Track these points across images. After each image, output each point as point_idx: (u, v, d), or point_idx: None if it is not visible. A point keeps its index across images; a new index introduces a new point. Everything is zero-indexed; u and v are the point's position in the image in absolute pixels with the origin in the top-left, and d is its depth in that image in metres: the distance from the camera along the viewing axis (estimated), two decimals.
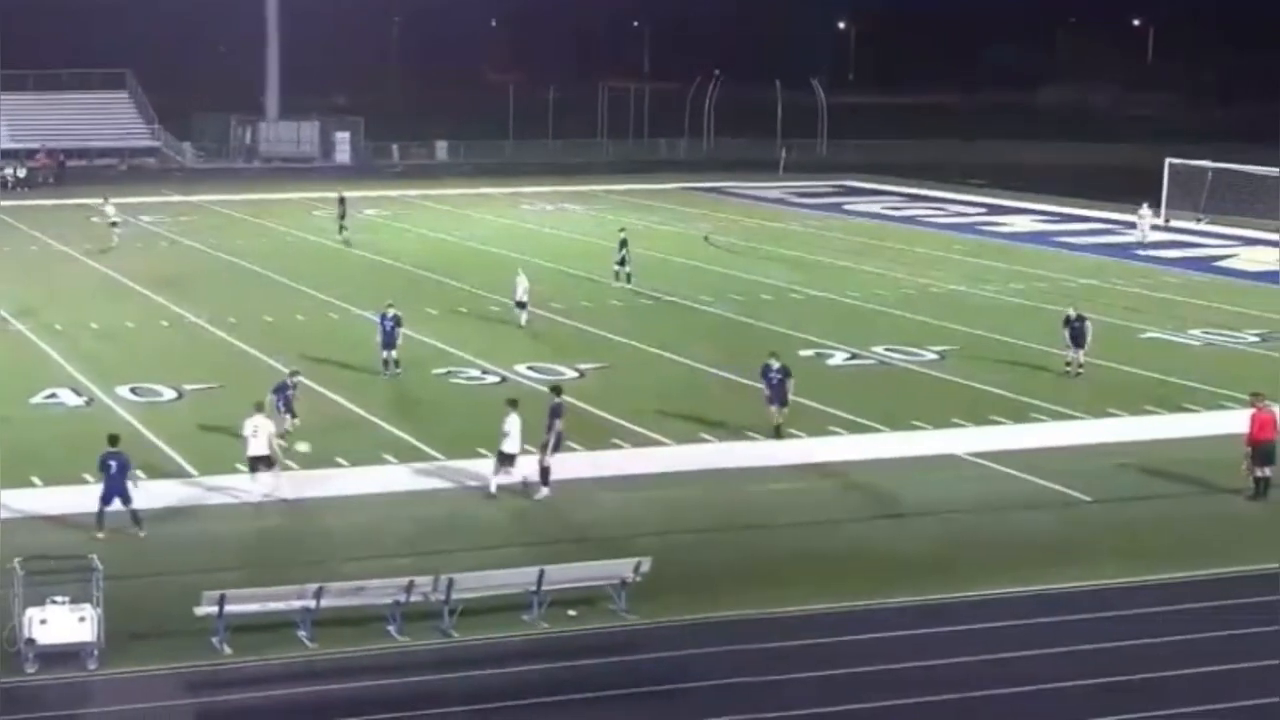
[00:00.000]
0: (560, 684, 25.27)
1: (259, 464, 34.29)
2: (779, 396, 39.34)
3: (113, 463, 31.97)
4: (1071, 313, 47.05)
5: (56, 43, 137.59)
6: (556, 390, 36.12)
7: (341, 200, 76.15)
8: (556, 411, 35.10)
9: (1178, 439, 39.75)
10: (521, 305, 52.95)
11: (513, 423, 34.43)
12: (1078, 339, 46.28)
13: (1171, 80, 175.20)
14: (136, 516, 31.83)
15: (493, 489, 34.47)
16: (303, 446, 35.59)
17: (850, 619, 27.88)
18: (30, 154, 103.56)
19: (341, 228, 74.82)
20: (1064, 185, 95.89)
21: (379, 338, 46.16)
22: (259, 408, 35.06)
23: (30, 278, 62.02)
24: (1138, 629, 27.42)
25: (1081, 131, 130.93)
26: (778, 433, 39.16)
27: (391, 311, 46.03)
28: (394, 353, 45.77)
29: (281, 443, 35.27)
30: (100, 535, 31.14)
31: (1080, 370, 46.18)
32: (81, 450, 36.58)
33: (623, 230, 62.97)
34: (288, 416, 37.71)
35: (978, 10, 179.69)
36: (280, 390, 38.10)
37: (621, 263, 60.90)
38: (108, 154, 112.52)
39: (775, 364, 39.44)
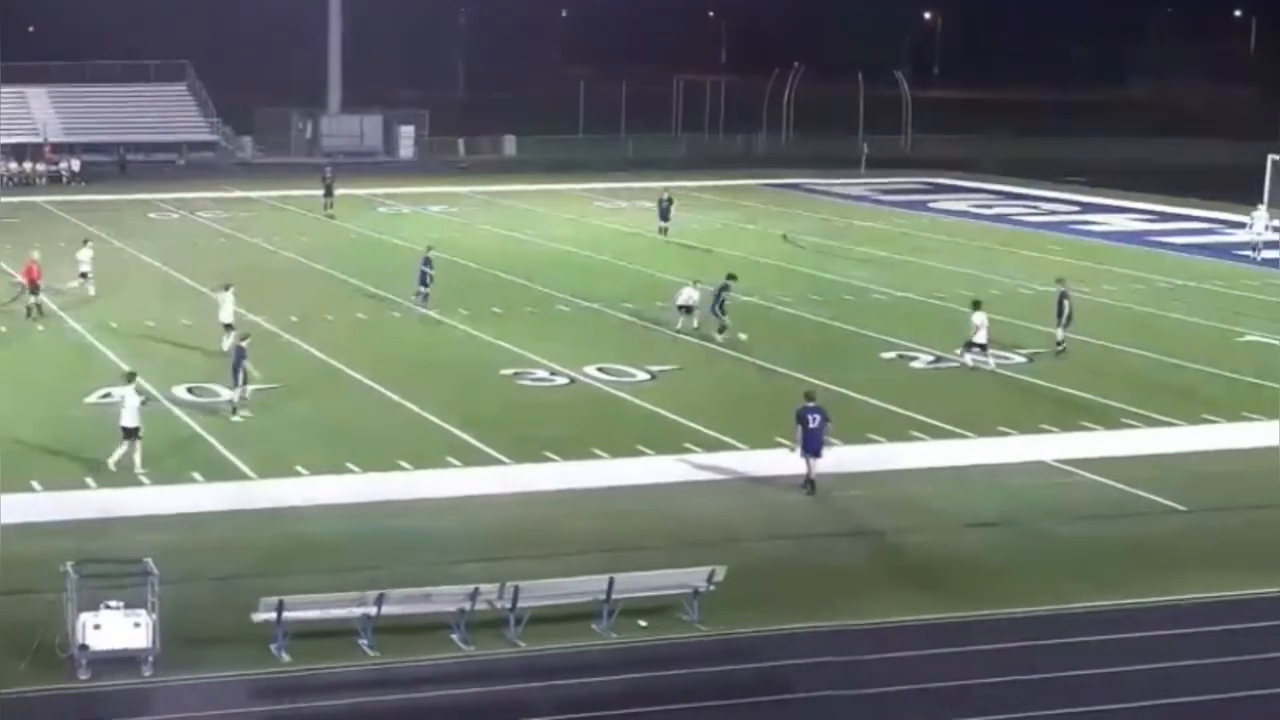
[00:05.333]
0: (628, 696, 25.30)
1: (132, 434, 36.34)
2: (814, 445, 35.46)
3: None
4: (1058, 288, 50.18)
5: (113, 32, 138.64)
6: None
7: (325, 176, 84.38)
8: None
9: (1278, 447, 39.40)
10: (687, 310, 52.44)
11: None
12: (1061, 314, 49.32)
13: (1266, 74, 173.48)
14: None
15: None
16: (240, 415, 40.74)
17: (929, 631, 27.81)
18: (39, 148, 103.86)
19: (327, 205, 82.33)
20: (1159, 183, 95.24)
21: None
22: (129, 379, 37.33)
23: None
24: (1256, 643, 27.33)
25: (1174, 127, 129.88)
26: (811, 487, 35.51)
27: (429, 254, 56.86)
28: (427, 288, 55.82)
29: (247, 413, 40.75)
30: None
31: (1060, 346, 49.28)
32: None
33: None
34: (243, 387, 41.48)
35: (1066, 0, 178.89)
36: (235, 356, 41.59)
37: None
38: (166, 148, 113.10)
39: (813, 404, 35.67)
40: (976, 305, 47.95)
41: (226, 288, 48.92)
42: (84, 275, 58.01)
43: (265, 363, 44.45)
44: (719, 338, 50.44)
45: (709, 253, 68.82)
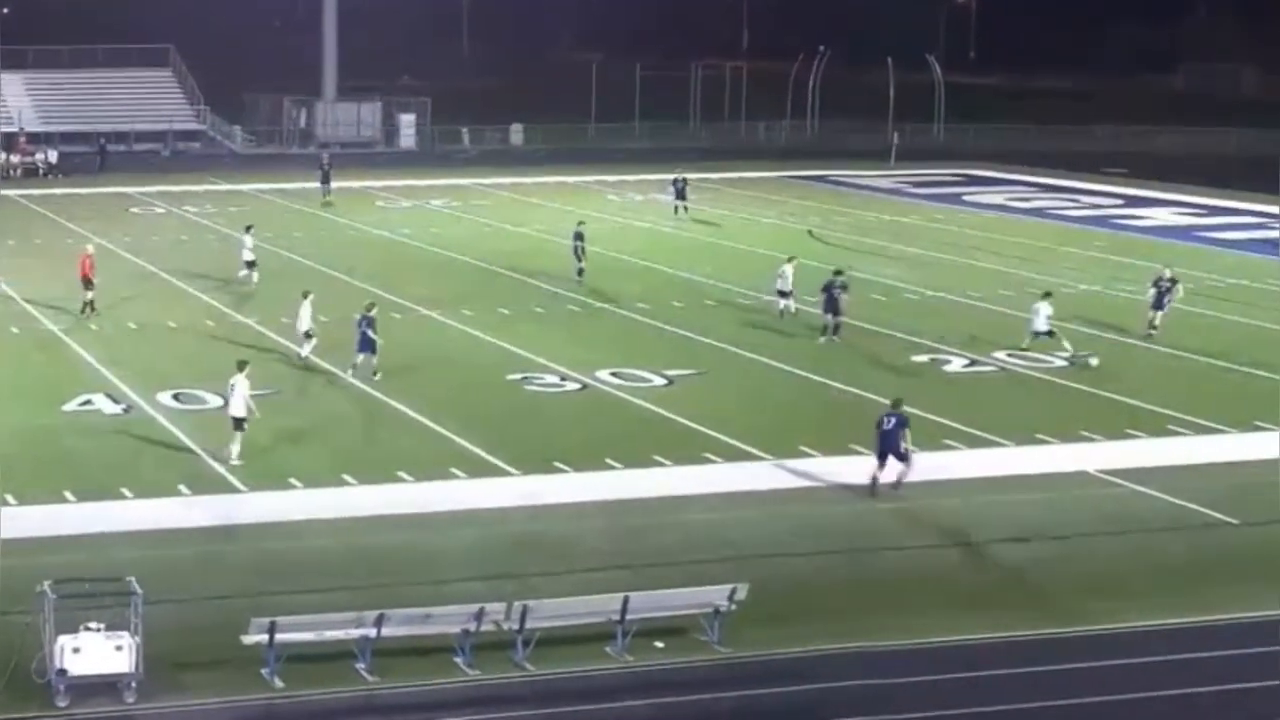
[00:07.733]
0: None
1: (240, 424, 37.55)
2: (889, 444, 36.10)
3: None
4: (1167, 272, 53.48)
5: (92, 15, 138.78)
6: None
7: (322, 163, 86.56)
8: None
9: None
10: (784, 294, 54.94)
11: None
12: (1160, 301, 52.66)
13: None
14: None
15: None
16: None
17: (965, 652, 27.76)
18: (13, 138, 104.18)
19: (325, 192, 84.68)
20: (1208, 175, 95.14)
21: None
22: (240, 366, 38.28)
23: (63, 274, 62.44)
24: None
25: (1223, 117, 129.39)
26: (873, 489, 36.14)
27: (580, 228, 62.29)
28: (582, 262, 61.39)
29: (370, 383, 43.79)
30: None
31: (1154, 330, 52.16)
32: (119, 462, 37.01)
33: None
34: (360, 355, 44.97)
35: None
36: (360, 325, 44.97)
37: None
38: (149, 138, 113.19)
39: (894, 412, 36.46)
40: (1047, 295, 51.15)
41: (306, 295, 48.68)
42: (249, 264, 60.64)
43: (256, 368, 44.46)
44: (835, 339, 51.42)
45: (752, 255, 68.86)
